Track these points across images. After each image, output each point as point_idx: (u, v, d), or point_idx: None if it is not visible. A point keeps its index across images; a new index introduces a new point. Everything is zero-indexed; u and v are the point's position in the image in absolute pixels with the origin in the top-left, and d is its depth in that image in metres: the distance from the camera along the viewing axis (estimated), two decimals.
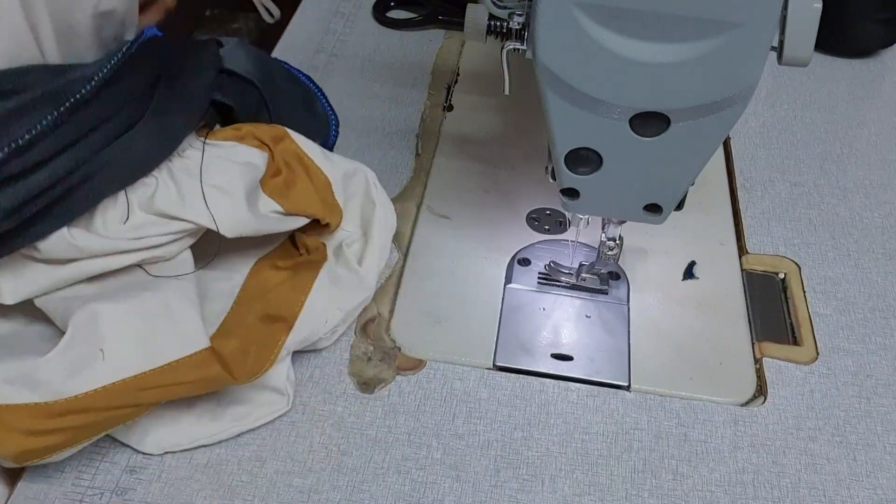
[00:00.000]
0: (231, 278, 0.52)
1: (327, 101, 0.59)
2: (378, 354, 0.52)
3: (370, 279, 0.53)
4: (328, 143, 0.59)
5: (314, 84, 0.59)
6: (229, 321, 0.49)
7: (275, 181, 0.50)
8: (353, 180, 0.55)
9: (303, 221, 0.51)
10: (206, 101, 0.49)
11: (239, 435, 0.47)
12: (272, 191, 0.49)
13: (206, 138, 0.49)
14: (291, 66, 0.59)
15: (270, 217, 0.49)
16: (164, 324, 0.44)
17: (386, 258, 0.55)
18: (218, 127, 0.51)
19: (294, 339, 0.48)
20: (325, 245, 0.53)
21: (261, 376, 0.47)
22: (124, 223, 0.45)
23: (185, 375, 0.44)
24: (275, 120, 0.53)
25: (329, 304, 0.50)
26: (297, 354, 0.51)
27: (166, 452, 0.46)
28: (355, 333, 0.53)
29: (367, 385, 0.50)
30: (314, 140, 0.54)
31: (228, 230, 0.47)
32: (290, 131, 0.52)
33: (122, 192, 0.45)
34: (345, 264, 0.53)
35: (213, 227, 0.46)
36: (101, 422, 0.43)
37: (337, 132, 0.60)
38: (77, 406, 0.41)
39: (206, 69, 0.49)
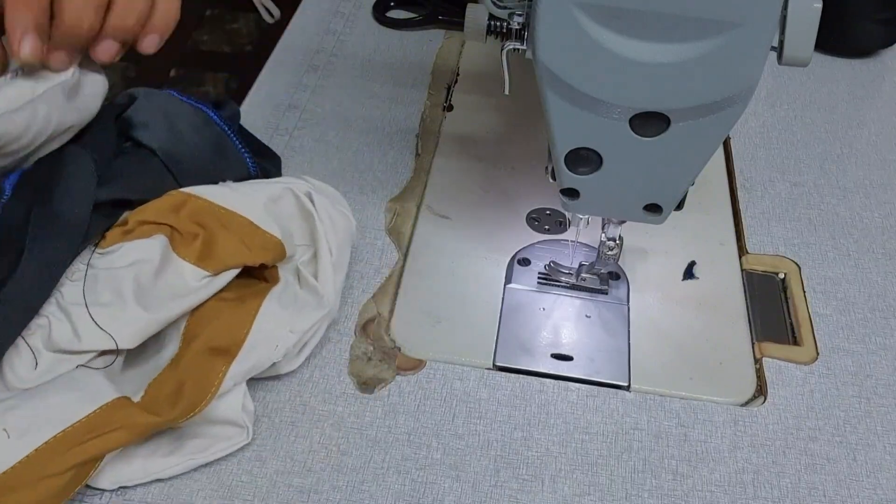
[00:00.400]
0: (179, 322, 0.49)
1: (239, 141, 0.57)
2: (378, 354, 0.52)
3: (327, 294, 0.50)
4: (250, 173, 0.57)
5: (224, 123, 0.56)
6: (176, 360, 0.47)
7: (194, 246, 0.48)
8: (280, 203, 0.52)
9: (233, 274, 0.49)
10: (85, 215, 0.47)
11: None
12: (195, 258, 0.48)
13: (95, 247, 0.48)
14: (203, 105, 0.56)
15: (198, 286, 0.48)
16: (67, 388, 0.43)
17: (344, 265, 0.52)
18: (107, 235, 0.49)
19: (239, 370, 0.46)
20: (276, 268, 0.51)
21: (200, 412, 0.44)
22: (35, 369, 0.45)
23: (106, 425, 0.42)
24: (182, 180, 0.52)
25: (278, 328, 0.48)
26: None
27: (120, 487, 0.45)
28: (355, 333, 0.53)
29: (367, 385, 0.50)
30: (228, 179, 0.53)
31: (130, 342, 0.46)
32: (192, 190, 0.50)
33: (22, 340, 0.45)
34: (304, 283, 0.51)
35: (114, 346, 0.45)
36: (48, 493, 0.41)
37: (255, 167, 0.57)
38: (4, 486, 0.40)
39: (81, 181, 0.48)
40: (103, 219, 0.49)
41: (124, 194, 0.50)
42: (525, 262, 0.58)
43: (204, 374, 0.46)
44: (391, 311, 0.54)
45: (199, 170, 0.53)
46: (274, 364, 0.48)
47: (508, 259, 0.58)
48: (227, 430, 0.46)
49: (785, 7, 0.39)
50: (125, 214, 0.50)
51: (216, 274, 0.48)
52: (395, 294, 0.56)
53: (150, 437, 0.45)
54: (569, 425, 0.49)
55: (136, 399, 0.45)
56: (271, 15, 0.82)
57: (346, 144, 0.66)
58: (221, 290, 0.49)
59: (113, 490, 0.45)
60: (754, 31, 0.37)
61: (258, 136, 0.65)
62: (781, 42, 0.40)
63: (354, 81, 0.72)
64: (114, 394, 0.44)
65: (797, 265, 0.58)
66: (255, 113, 0.68)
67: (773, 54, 0.40)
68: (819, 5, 0.39)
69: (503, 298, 0.56)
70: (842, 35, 0.75)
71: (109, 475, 0.44)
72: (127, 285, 0.47)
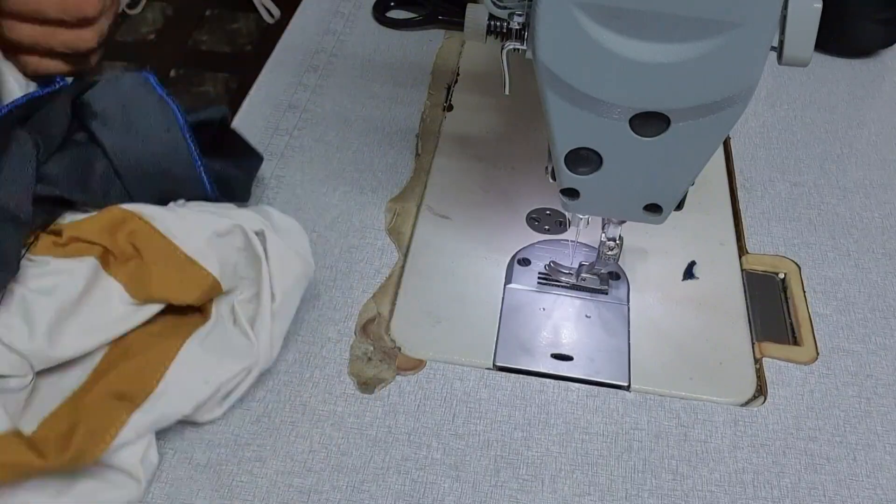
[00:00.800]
0: (94, 352, 0.46)
1: (199, 157, 0.52)
2: (378, 354, 0.52)
3: (261, 343, 0.47)
4: (207, 195, 0.53)
5: (189, 131, 0.52)
6: (79, 395, 0.44)
7: (127, 268, 0.46)
8: (227, 238, 0.49)
9: (157, 308, 0.47)
10: (24, 206, 0.45)
11: (238, 434, 0.47)
12: (124, 277, 0.46)
13: (27, 250, 0.46)
14: (174, 104, 0.52)
15: (123, 314, 0.45)
16: None
17: (288, 313, 0.49)
18: (42, 236, 0.47)
19: (143, 421, 0.43)
20: (210, 302, 0.48)
21: (89, 461, 0.41)
22: None
23: None
24: (130, 188, 0.49)
25: (193, 377, 0.45)
26: (296, 355, 0.51)
27: None
28: (355, 333, 0.53)
29: (367, 385, 0.50)
30: (182, 198, 0.50)
31: (35, 369, 0.44)
32: (134, 208, 0.48)
33: None
34: (239, 326, 0.48)
35: (22, 372, 0.43)
36: None
37: (213, 189, 0.53)
38: None
39: (18, 169, 0.45)
40: (42, 214, 0.47)
41: (67, 193, 0.48)
42: (525, 262, 0.58)
43: (102, 419, 0.42)
44: (391, 311, 0.54)
45: (151, 179, 0.50)
46: (193, 413, 0.45)
47: (508, 259, 0.58)
48: (120, 478, 0.43)
49: (785, 7, 0.39)
50: (61, 220, 0.48)
51: (142, 304, 0.47)
52: (395, 294, 0.56)
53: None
54: (569, 425, 0.49)
55: (28, 432, 0.42)
56: (271, 15, 0.82)
57: (346, 144, 0.66)
58: (146, 321, 0.47)
59: None
60: (754, 31, 0.37)
61: (258, 136, 0.65)
62: (781, 42, 0.40)
63: (354, 81, 0.72)
64: (4, 425, 0.41)
65: (797, 265, 0.58)
66: (255, 113, 0.68)
67: (773, 54, 0.40)
68: (819, 5, 0.39)
69: (503, 298, 0.56)
70: (842, 35, 0.75)
71: None
72: (44, 313, 0.44)
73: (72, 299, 0.45)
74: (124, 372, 0.44)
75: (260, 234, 0.50)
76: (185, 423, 0.47)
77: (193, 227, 0.48)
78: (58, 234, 0.47)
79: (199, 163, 0.52)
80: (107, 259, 0.47)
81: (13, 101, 0.48)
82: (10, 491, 0.42)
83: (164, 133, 0.51)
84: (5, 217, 0.44)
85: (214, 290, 0.48)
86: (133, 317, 0.46)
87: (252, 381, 0.48)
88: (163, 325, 0.48)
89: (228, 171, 0.55)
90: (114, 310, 0.46)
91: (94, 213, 0.48)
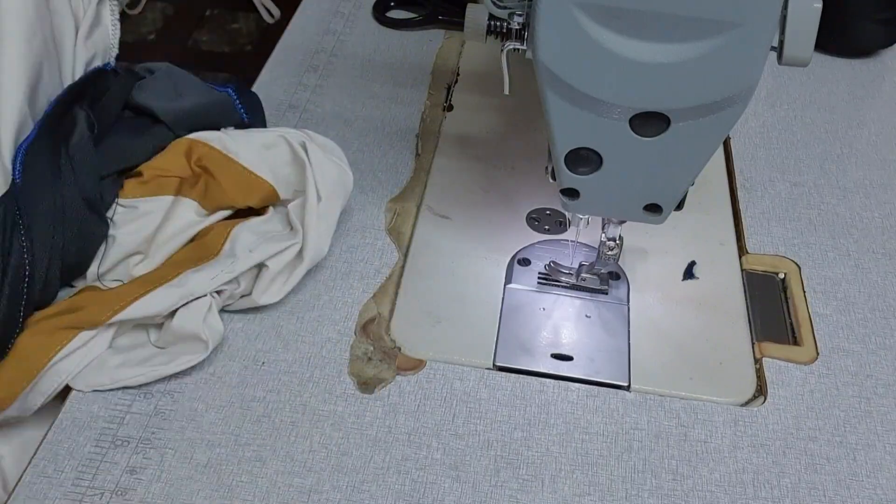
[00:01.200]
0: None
1: (238, 100, 0.61)
2: (378, 354, 0.52)
3: (309, 237, 0.53)
4: (240, 119, 0.60)
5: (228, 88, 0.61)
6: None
7: (198, 188, 0.55)
8: (274, 150, 0.56)
9: (227, 213, 0.55)
10: (92, 191, 0.52)
11: (238, 434, 0.47)
12: (196, 195, 0.54)
13: (117, 198, 0.55)
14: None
15: (198, 220, 0.54)
16: None
17: (333, 213, 0.55)
18: (126, 182, 0.55)
19: (196, 278, 0.50)
20: (268, 208, 0.56)
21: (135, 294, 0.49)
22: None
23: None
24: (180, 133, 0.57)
25: (241, 246, 0.52)
26: (296, 355, 0.51)
27: (94, 390, 0.48)
28: (355, 333, 0.53)
29: (367, 385, 0.50)
30: (224, 124, 0.58)
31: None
32: (197, 136, 0.56)
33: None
34: (290, 222, 0.54)
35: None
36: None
37: (244, 104, 0.60)
38: None
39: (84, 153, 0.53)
40: (112, 185, 0.55)
41: (129, 163, 0.55)
42: (525, 262, 0.58)
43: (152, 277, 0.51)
44: (391, 311, 0.54)
45: (200, 125, 0.57)
46: (251, 296, 0.52)
47: (508, 259, 0.58)
48: (188, 345, 0.49)
49: (785, 7, 0.39)
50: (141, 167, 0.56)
51: (212, 213, 0.54)
52: (395, 294, 0.56)
53: (124, 351, 0.50)
54: (569, 425, 0.49)
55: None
56: (271, 15, 0.82)
57: (346, 144, 0.66)
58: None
59: (88, 391, 0.48)
60: (754, 31, 0.37)
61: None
62: (781, 42, 0.40)
63: (354, 81, 0.72)
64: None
65: (797, 265, 0.58)
66: None
67: (773, 54, 0.40)
68: (819, 5, 0.39)
69: (503, 298, 0.56)
70: (842, 35, 0.75)
71: (86, 378, 0.49)
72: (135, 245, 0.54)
73: (156, 224, 0.54)
74: (189, 249, 0.53)
75: (302, 145, 0.56)
76: (186, 420, 0.47)
77: (245, 144, 0.56)
78: (139, 175, 0.55)
79: (238, 102, 0.60)
80: (181, 185, 0.55)
81: (71, 85, 0.55)
82: (99, 367, 0.49)
83: (208, 92, 0.60)
84: (90, 207, 0.52)
85: (271, 196, 0.55)
86: (205, 221, 0.54)
87: (304, 270, 0.53)
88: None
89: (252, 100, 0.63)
90: (190, 220, 0.54)
91: (164, 152, 0.56)
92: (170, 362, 0.49)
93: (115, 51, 0.60)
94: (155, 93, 0.58)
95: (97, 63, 0.59)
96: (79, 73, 0.57)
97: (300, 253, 0.53)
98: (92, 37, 0.58)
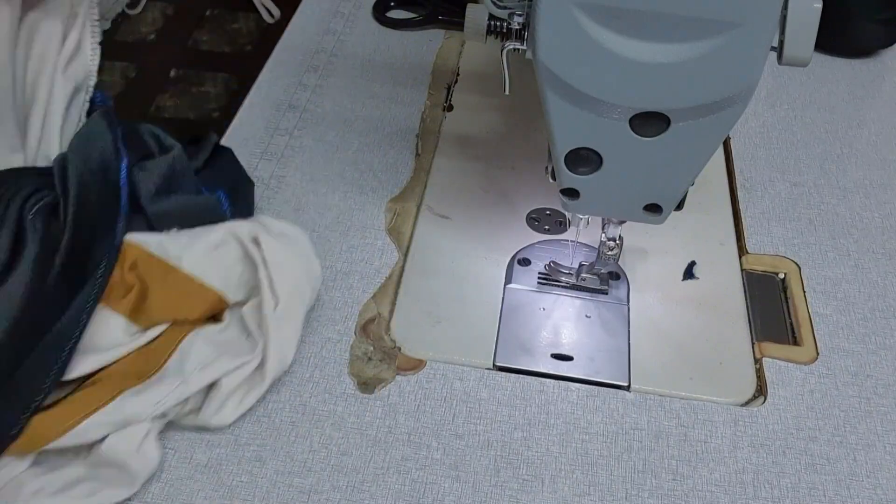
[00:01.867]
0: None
1: (227, 203, 0.55)
2: (378, 354, 0.52)
3: (270, 348, 0.48)
4: (221, 210, 0.54)
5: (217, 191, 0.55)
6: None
7: (127, 299, 0.48)
8: (223, 250, 0.50)
9: (161, 329, 0.48)
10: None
11: (238, 434, 0.47)
12: (125, 308, 0.47)
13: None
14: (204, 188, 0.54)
15: (126, 341, 0.47)
16: None
17: (295, 314, 0.50)
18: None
19: (132, 402, 0.44)
20: (223, 312, 0.50)
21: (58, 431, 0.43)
22: None
23: None
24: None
25: (190, 364, 0.47)
26: (296, 355, 0.51)
27: None
28: (355, 333, 0.53)
29: (367, 385, 0.50)
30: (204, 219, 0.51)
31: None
32: (133, 238, 0.49)
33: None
34: (245, 330, 0.49)
35: None
36: None
37: (235, 212, 0.55)
38: None
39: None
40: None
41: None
42: (525, 262, 0.58)
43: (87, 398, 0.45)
44: (391, 311, 0.54)
45: (182, 225, 0.52)
46: (201, 414, 0.46)
47: (508, 259, 0.58)
48: (116, 475, 0.44)
49: (785, 7, 0.39)
50: None
51: (146, 329, 0.48)
52: (395, 294, 0.56)
53: (45, 471, 0.44)
54: (569, 425, 0.49)
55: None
56: (271, 15, 0.82)
57: (346, 144, 0.66)
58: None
59: None
60: (754, 31, 0.37)
61: (258, 136, 0.65)
62: (781, 42, 0.40)
63: (354, 81, 0.72)
64: None
65: (797, 265, 0.58)
66: (255, 113, 0.68)
67: (773, 54, 0.40)
68: (819, 5, 0.39)
69: (503, 298, 0.56)
70: (842, 35, 0.75)
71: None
72: None
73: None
74: (130, 360, 0.46)
75: (254, 241, 0.50)
76: (191, 425, 0.47)
77: (190, 246, 0.49)
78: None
79: (227, 206, 0.54)
80: (108, 293, 0.47)
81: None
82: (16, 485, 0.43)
83: (195, 196, 0.53)
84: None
85: (219, 304, 0.49)
86: (136, 340, 0.47)
87: (265, 389, 0.48)
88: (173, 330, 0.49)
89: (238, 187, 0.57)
90: (116, 339, 0.47)
91: None
92: (91, 495, 0.43)
93: (94, 79, 0.54)
94: (150, 184, 0.51)
95: (82, 96, 0.53)
96: (60, 109, 0.52)
97: (260, 367, 0.48)
98: (71, 66, 0.53)
